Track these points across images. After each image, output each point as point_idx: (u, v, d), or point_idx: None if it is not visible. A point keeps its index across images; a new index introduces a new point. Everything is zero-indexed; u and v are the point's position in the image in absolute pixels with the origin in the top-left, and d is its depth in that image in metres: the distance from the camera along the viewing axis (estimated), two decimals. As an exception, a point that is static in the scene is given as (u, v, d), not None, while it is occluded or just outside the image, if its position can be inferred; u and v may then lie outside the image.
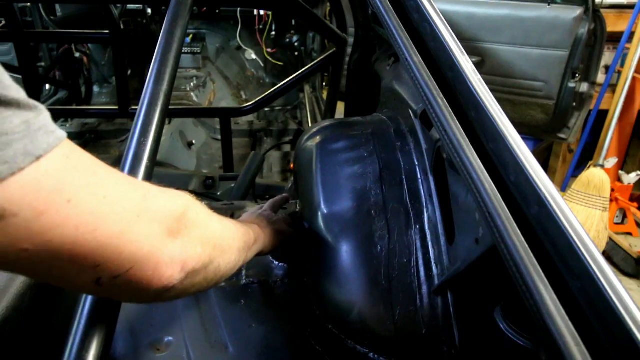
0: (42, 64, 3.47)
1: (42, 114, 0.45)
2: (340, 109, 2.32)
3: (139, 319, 1.06)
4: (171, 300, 0.62)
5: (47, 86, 3.56)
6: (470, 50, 1.87)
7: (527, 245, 0.61)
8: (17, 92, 0.43)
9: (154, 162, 0.81)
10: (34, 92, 2.39)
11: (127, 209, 0.51)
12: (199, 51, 4.01)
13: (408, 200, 1.08)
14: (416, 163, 1.13)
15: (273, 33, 4.05)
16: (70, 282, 0.51)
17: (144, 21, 3.58)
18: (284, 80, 2.35)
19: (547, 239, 0.63)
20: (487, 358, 0.92)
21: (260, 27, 3.98)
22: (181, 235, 0.58)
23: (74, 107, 3.56)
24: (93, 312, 0.61)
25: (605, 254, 3.15)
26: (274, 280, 1.17)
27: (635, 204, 3.44)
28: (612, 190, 3.27)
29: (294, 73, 2.38)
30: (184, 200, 0.62)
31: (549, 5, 2.29)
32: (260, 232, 0.98)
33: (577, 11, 2.24)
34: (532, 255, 0.60)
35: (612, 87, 3.37)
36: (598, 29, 2.33)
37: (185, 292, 0.61)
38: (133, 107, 2.33)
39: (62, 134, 0.47)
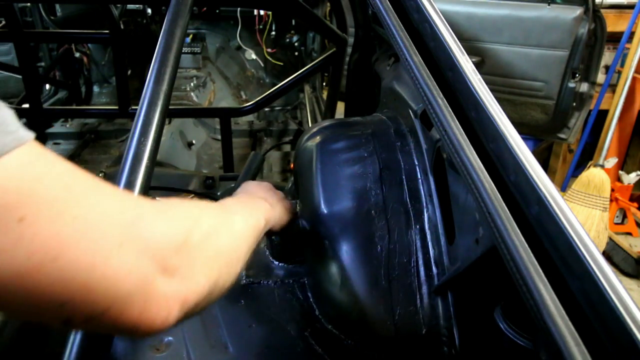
0: (42, 64, 3.46)
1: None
2: (340, 109, 2.32)
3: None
4: None
5: (47, 86, 3.56)
6: (470, 50, 1.87)
7: (527, 245, 0.61)
8: None
9: (154, 162, 0.81)
10: (34, 92, 2.39)
11: (106, 234, 0.41)
12: (199, 51, 4.01)
13: (408, 200, 1.07)
14: (416, 163, 1.13)
15: (273, 33, 4.05)
16: (37, 319, 0.42)
17: (144, 21, 3.58)
18: (284, 80, 2.35)
19: (547, 239, 0.63)
20: (487, 358, 0.92)
21: (260, 27, 3.98)
22: (180, 270, 0.48)
23: (74, 107, 3.56)
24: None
25: (605, 254, 3.15)
26: (274, 280, 1.17)
27: (635, 204, 3.44)
28: (612, 190, 3.27)
29: (294, 73, 2.38)
30: (189, 222, 0.52)
31: (549, 5, 2.29)
32: (270, 210, 0.90)
33: (577, 11, 2.23)
34: (532, 255, 0.60)
35: (612, 87, 3.37)
36: (598, 29, 2.33)
37: (184, 319, 0.52)
38: (133, 107, 2.33)
39: (25, 135, 0.39)
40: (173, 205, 0.54)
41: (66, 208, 0.39)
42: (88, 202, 0.42)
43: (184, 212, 0.54)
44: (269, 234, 0.94)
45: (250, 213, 0.78)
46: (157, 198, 1.57)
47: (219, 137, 2.68)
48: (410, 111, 1.16)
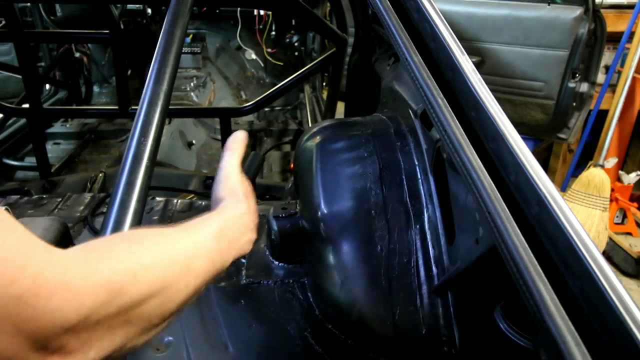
0: (42, 64, 3.46)
1: None
2: (340, 109, 2.32)
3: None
4: None
5: (47, 86, 3.56)
6: (470, 50, 1.87)
7: (527, 245, 0.61)
8: None
9: (154, 162, 0.81)
10: (34, 92, 2.39)
11: None
12: (199, 51, 4.01)
13: (408, 200, 1.08)
14: (416, 163, 1.13)
15: (273, 33, 4.05)
16: None
17: (144, 21, 3.58)
18: (284, 80, 2.35)
19: (547, 239, 0.63)
20: (487, 358, 0.92)
21: (260, 27, 3.98)
22: (67, 347, 0.39)
23: (74, 107, 3.56)
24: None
25: (605, 254, 3.15)
26: (274, 280, 1.17)
27: (635, 204, 3.44)
28: (612, 190, 3.27)
29: (294, 73, 2.38)
30: (102, 275, 0.41)
31: (549, 5, 2.29)
32: (246, 246, 0.73)
33: (577, 11, 2.23)
34: (532, 255, 0.60)
35: (612, 87, 3.37)
36: (598, 29, 2.33)
37: None
38: (133, 107, 2.33)
39: None
40: (95, 260, 0.43)
41: None
42: None
43: (105, 269, 0.43)
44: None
45: (222, 257, 0.63)
46: (155, 197, 1.56)
47: (219, 137, 2.68)
48: (410, 111, 1.16)
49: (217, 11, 4.00)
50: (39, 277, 0.37)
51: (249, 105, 2.40)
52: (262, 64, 4.28)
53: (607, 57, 3.24)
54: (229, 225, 0.67)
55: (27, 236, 0.38)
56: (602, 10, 2.39)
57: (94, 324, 0.40)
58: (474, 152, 0.76)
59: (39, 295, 0.36)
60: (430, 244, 1.02)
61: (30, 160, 2.77)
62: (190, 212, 1.47)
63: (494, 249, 0.67)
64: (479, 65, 2.29)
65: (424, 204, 1.07)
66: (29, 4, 3.23)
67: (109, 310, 0.41)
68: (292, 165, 2.41)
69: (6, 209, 0.92)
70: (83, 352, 0.40)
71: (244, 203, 0.75)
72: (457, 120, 0.83)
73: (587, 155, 3.57)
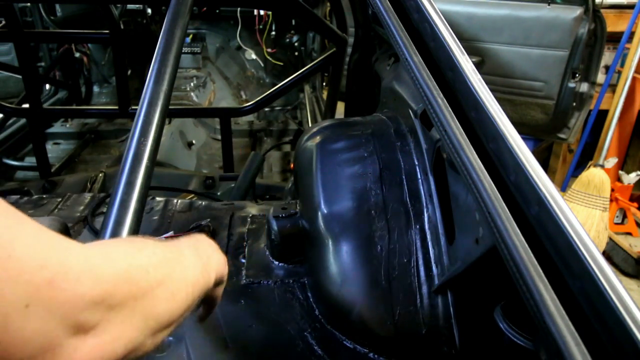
0: (42, 64, 3.47)
1: None
2: (340, 109, 2.32)
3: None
4: None
5: (47, 86, 3.56)
6: (470, 50, 1.87)
7: (527, 245, 0.61)
8: None
9: (154, 162, 0.81)
10: (34, 92, 2.39)
11: (9, 295, 0.35)
12: (199, 51, 4.01)
13: (408, 200, 1.08)
14: (416, 163, 1.13)
15: (273, 33, 4.05)
16: None
17: (144, 21, 3.59)
18: (284, 80, 2.35)
19: (547, 239, 0.63)
20: (487, 358, 0.92)
21: (260, 27, 3.98)
22: (99, 325, 0.41)
23: (74, 107, 3.57)
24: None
25: (605, 254, 3.15)
26: (274, 280, 1.17)
27: (635, 204, 3.44)
28: (612, 190, 3.27)
29: (294, 73, 2.38)
30: (119, 265, 0.45)
31: (549, 5, 2.29)
32: (221, 265, 0.74)
33: (577, 11, 2.24)
34: (532, 255, 0.60)
35: (612, 87, 3.37)
36: (598, 29, 2.33)
37: None
38: (133, 107, 2.33)
39: None
40: (111, 253, 0.47)
41: None
42: (3, 253, 0.35)
43: (119, 252, 0.47)
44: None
45: (207, 269, 0.66)
46: (156, 197, 1.56)
47: (219, 137, 2.68)
48: (410, 111, 1.16)
49: (217, 11, 4.00)
50: (65, 262, 0.39)
51: (249, 105, 2.40)
52: (262, 64, 4.28)
53: (607, 57, 3.25)
54: (198, 244, 0.69)
55: (44, 229, 0.40)
56: (602, 10, 2.39)
57: (117, 305, 0.43)
58: (474, 152, 0.76)
59: (67, 279, 0.38)
60: (430, 244, 1.02)
61: (30, 160, 2.77)
62: (190, 212, 1.47)
63: (494, 249, 0.67)
64: (479, 65, 2.29)
65: (424, 204, 1.07)
66: (29, 4, 3.23)
67: (125, 295, 0.44)
68: (292, 165, 2.41)
69: None
70: (115, 330, 0.43)
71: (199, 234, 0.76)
72: (457, 120, 0.83)
73: (587, 155, 3.57)
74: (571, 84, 2.32)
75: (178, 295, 0.53)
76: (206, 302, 0.76)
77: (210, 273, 0.67)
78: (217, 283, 0.71)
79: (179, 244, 0.64)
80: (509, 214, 0.66)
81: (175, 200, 1.53)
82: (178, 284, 0.54)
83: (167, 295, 0.51)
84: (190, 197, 2.01)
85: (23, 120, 2.96)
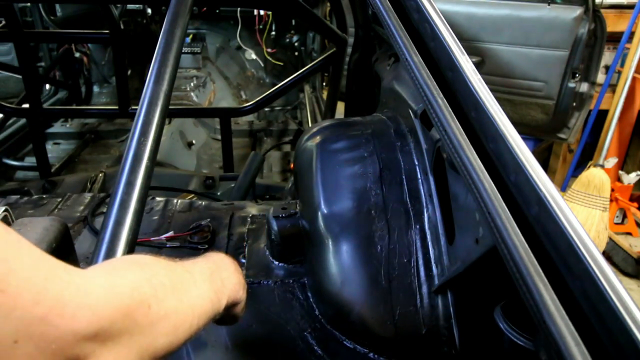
0: (42, 64, 3.47)
1: None
2: (340, 109, 2.32)
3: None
4: None
5: (47, 86, 3.56)
6: (470, 50, 1.87)
7: (527, 245, 0.61)
8: None
9: (154, 162, 0.81)
10: (34, 92, 2.39)
11: None
12: (199, 51, 4.02)
13: (408, 200, 1.08)
14: (416, 163, 1.13)
15: (273, 33, 4.05)
16: None
17: (144, 21, 3.59)
18: (284, 80, 2.36)
19: (547, 239, 0.63)
20: (487, 358, 0.92)
21: (260, 27, 3.98)
22: (90, 359, 0.40)
23: (74, 107, 3.57)
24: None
25: (605, 254, 3.15)
26: (274, 280, 1.17)
27: (635, 204, 3.44)
28: (612, 190, 3.27)
29: (294, 73, 2.39)
30: (121, 300, 0.43)
31: (549, 5, 2.29)
32: (236, 290, 0.72)
33: (577, 11, 2.24)
34: (532, 255, 0.60)
35: (612, 87, 3.37)
36: (598, 29, 2.33)
37: None
38: (133, 107, 2.33)
39: None
40: (116, 286, 0.44)
41: None
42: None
43: (124, 295, 0.44)
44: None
45: (218, 296, 0.64)
46: (155, 197, 1.56)
47: (219, 137, 2.68)
48: (410, 111, 1.16)
49: (217, 11, 4.00)
50: (61, 297, 0.37)
51: (249, 105, 2.40)
52: (262, 64, 4.28)
53: (607, 57, 3.25)
54: (214, 267, 0.67)
55: (45, 258, 0.39)
56: (602, 10, 2.39)
57: (112, 339, 0.41)
58: (474, 152, 0.76)
59: (62, 315, 0.37)
60: (430, 244, 1.02)
61: (30, 160, 2.77)
62: (190, 212, 1.47)
63: (494, 249, 0.67)
64: (479, 65, 2.28)
65: (424, 204, 1.07)
66: (29, 4, 3.23)
67: (122, 330, 0.42)
68: (292, 165, 2.41)
69: (6, 210, 0.92)
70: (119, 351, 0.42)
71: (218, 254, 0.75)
72: (457, 120, 0.83)
73: (587, 155, 3.57)
74: (571, 84, 2.32)
75: (181, 329, 0.52)
76: (223, 322, 0.75)
77: (222, 299, 0.64)
78: (231, 305, 0.70)
79: (193, 269, 0.61)
80: (509, 214, 0.66)
81: (175, 200, 1.53)
82: (183, 316, 0.52)
83: (168, 329, 0.49)
84: (190, 197, 2.01)
85: (23, 120, 2.96)
